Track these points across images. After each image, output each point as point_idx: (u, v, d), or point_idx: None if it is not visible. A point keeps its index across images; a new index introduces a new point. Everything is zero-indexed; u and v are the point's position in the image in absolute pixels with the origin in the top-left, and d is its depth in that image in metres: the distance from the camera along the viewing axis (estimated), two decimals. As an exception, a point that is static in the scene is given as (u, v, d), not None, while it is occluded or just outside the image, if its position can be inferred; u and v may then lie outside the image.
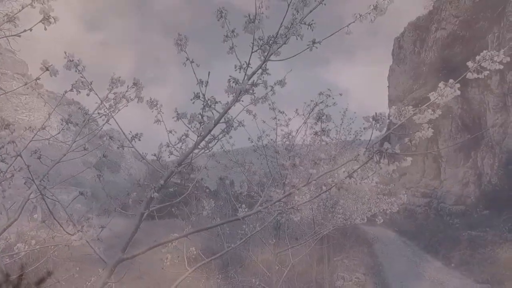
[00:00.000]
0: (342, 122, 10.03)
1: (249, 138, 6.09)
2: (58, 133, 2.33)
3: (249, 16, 1.89)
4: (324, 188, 1.64)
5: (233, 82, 2.02)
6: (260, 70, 2.51)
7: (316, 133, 3.49)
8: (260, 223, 3.49)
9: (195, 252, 3.44)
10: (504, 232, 16.92)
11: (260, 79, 2.62)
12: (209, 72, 2.09)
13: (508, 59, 2.04)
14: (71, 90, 2.14)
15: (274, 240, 6.38)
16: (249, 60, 2.03)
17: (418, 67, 29.38)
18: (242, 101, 2.54)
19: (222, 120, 2.36)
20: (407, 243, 19.25)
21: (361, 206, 11.00)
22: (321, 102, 5.10)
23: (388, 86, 34.35)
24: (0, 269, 1.97)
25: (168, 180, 2.14)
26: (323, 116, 2.58)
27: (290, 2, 2.03)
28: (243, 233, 3.30)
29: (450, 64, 23.58)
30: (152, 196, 2.09)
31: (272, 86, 3.06)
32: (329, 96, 5.08)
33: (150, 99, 2.94)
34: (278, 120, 5.55)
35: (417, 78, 29.37)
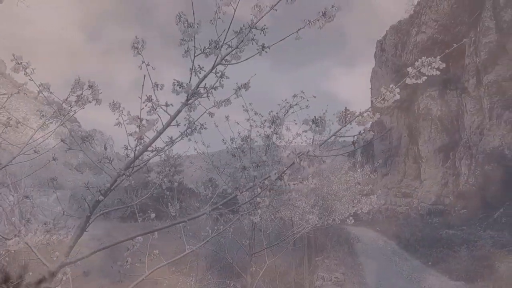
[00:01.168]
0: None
1: (222, 140, 6.10)
2: (-1, 135, 2.30)
3: (187, 21, 1.92)
4: (259, 190, 1.68)
5: (177, 85, 2.05)
6: (216, 74, 2.56)
7: (267, 136, 3.57)
8: (223, 224, 3.53)
9: (157, 254, 3.44)
10: (480, 230, 17.43)
11: (219, 82, 2.67)
12: (144, 76, 2.10)
13: (444, 65, 2.14)
14: (18, 92, 2.12)
15: (248, 241, 6.42)
16: (193, 64, 2.06)
17: (399, 70, 29.95)
18: (196, 103, 2.57)
19: (174, 123, 2.38)
20: (387, 243, 19.59)
21: (340, 207, 11.16)
22: (295, 104, 5.18)
23: (371, 88, 34.94)
24: None
25: (116, 183, 2.14)
26: (277, 119, 2.63)
27: (236, 7, 2.07)
28: (206, 235, 3.32)
29: (429, 67, 24.10)
30: (98, 199, 2.09)
31: (236, 90, 3.12)
32: (303, 98, 5.18)
33: (113, 102, 2.94)
34: (254, 121, 5.58)
35: (398, 80, 29.86)
